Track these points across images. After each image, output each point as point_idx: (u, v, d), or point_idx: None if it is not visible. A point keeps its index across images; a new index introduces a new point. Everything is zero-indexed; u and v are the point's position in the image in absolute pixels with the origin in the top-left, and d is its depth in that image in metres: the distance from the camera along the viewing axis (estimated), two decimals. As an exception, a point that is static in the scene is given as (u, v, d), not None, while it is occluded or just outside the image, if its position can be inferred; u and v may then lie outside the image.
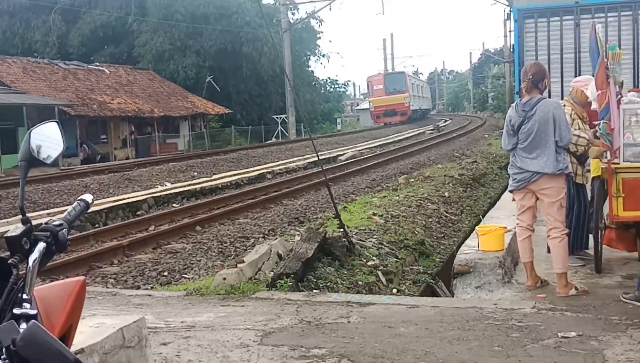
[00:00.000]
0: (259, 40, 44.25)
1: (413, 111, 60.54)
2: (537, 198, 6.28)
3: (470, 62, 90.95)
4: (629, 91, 7.87)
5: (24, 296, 1.48)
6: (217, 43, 44.19)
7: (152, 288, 8.17)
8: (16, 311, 1.44)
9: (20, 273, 1.52)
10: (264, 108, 48.81)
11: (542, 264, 6.77)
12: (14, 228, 1.61)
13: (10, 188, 18.67)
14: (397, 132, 42.02)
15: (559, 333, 4.98)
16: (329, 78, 68.01)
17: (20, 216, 1.66)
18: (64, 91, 34.42)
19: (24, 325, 1.37)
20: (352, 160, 24.35)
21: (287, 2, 45.20)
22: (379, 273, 8.39)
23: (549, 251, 6.54)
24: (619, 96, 7.12)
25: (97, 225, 13.13)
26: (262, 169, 22.16)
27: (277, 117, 46.36)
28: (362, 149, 28.88)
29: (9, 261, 1.56)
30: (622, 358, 4.48)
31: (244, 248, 10.17)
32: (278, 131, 46.02)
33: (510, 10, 19.03)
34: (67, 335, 1.64)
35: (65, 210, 1.85)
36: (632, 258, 7.25)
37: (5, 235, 1.64)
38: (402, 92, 57.60)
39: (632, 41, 12.46)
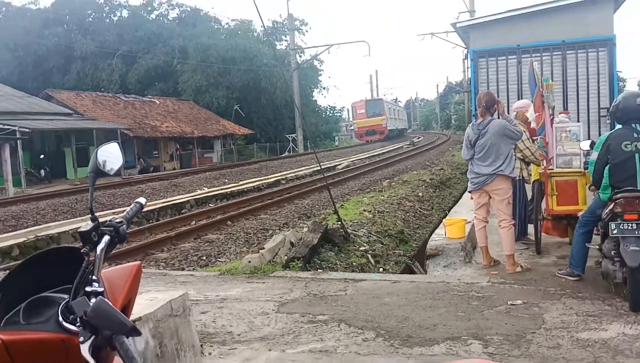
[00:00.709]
0: (274, 77, 44.34)
1: (390, 131, 59.48)
2: (490, 197, 6.29)
3: (437, 92, 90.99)
4: (560, 113, 7.92)
5: (93, 277, 1.47)
6: (242, 79, 44.30)
7: (193, 269, 8.19)
8: (87, 289, 1.44)
9: (90, 259, 1.51)
10: (279, 129, 48.89)
11: (495, 248, 6.77)
12: (85, 224, 1.61)
13: (84, 193, 18.75)
14: (382, 147, 42.02)
15: (508, 301, 4.98)
16: (329, 105, 68.22)
17: (90, 215, 1.66)
18: (125, 118, 34.51)
19: (93, 300, 1.37)
20: (347, 169, 24.37)
21: (295, 48, 45.34)
22: (369, 256, 8.39)
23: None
24: (552, 117, 7.14)
25: (150, 221, 13.16)
26: (278, 176, 22.18)
27: (289, 136, 46.46)
28: (355, 160, 28.90)
29: (82, 250, 1.55)
30: (557, 320, 4.48)
31: (264, 237, 10.16)
32: (289, 147, 46.08)
33: (467, 52, 19.03)
34: (127, 308, 1.63)
35: (125, 210, 1.85)
36: (564, 243, 7.26)
37: (78, 230, 1.64)
38: (380, 115, 56.40)
39: (561, 75, 12.51)
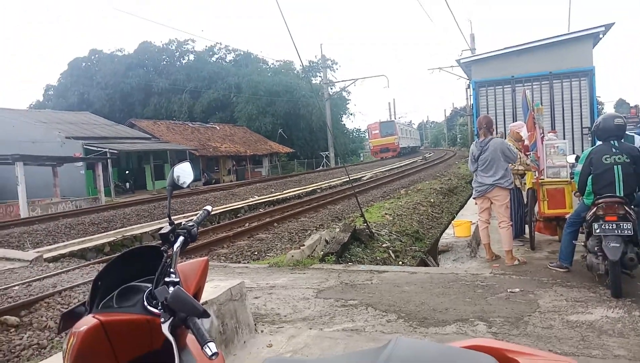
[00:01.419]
0: (310, 106, 44.56)
1: (402, 148, 57.03)
2: (491, 202, 6.19)
3: (445, 115, 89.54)
4: (549, 133, 7.77)
5: (171, 270, 1.49)
6: (284, 108, 44.62)
7: (247, 262, 8.23)
8: (166, 279, 1.46)
9: (168, 255, 1.54)
10: (314, 148, 48.94)
11: (496, 244, 6.64)
12: (165, 227, 1.63)
13: (161, 201, 19.08)
14: (399, 162, 41.71)
15: (508, 289, 4.88)
16: (355, 128, 67.52)
17: (168, 220, 1.68)
18: (192, 140, 35.03)
19: (171, 289, 1.38)
20: (371, 179, 24.23)
21: (328, 82, 45.45)
22: (390, 251, 8.31)
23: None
24: (542, 136, 7.03)
25: (213, 223, 13.29)
26: (314, 186, 22.21)
27: (322, 153, 46.47)
28: (377, 173, 28.71)
29: (162, 248, 1.58)
30: (550, 305, 4.37)
31: (304, 236, 10.18)
32: (323, 162, 46.07)
33: (470, 82, 18.81)
34: (197, 294, 1.65)
35: (193, 215, 1.87)
36: (554, 240, 7.09)
37: (159, 232, 1.67)
38: (393, 135, 53.92)
39: (549, 100, 12.30)
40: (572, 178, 6.34)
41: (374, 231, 8.81)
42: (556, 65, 12.39)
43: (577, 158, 6.02)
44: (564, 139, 10.31)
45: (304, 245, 7.47)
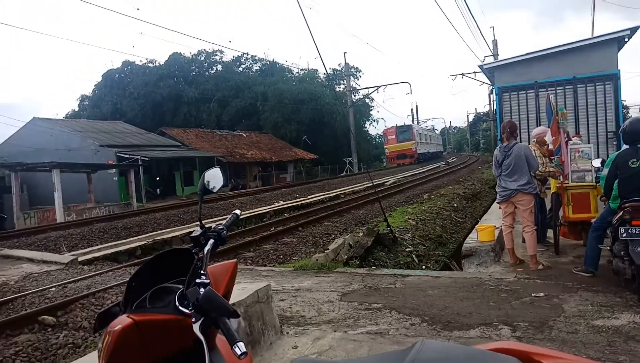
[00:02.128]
0: (334, 113, 44.64)
1: (421, 154, 53.06)
2: (515, 207, 6.10)
3: (468, 121, 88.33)
4: (574, 137, 7.63)
5: (202, 272, 1.51)
6: (309, 116, 44.74)
7: (273, 266, 8.25)
8: (197, 280, 1.47)
9: (199, 257, 1.55)
10: (338, 154, 48.81)
11: (520, 249, 6.53)
12: (196, 231, 1.65)
13: (189, 206, 19.32)
14: (421, 167, 41.37)
15: (532, 294, 4.78)
16: (378, 134, 67.17)
17: (199, 223, 1.70)
18: (220, 148, 35.43)
19: (202, 290, 1.40)
20: (394, 184, 24.05)
21: (351, 90, 45.50)
22: (413, 256, 8.25)
23: (524, 241, 6.34)
24: (567, 140, 6.89)
25: (240, 227, 13.33)
26: (338, 191, 22.17)
27: (346, 159, 46.36)
28: (400, 178, 28.50)
29: (193, 251, 1.60)
30: (574, 309, 4.27)
31: (328, 240, 10.15)
32: (347, 168, 45.98)
33: (493, 88, 18.57)
34: (226, 295, 1.66)
35: (222, 219, 1.89)
36: (579, 245, 6.93)
37: (190, 235, 1.69)
38: (410, 140, 50.63)
39: (573, 105, 12.06)
40: (597, 182, 6.20)
41: (397, 235, 8.75)
42: (580, 69, 12.15)
43: (602, 162, 5.89)
44: (589, 143, 10.10)
45: (328, 249, 7.46)
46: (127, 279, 1.54)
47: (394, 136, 51.55)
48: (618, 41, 12.46)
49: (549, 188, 7.43)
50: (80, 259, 9.24)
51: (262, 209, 16.59)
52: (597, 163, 6.40)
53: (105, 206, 22.65)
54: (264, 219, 15.07)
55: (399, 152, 50.84)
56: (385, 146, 53.73)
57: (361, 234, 8.15)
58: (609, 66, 12.07)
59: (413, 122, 69.75)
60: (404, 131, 51.14)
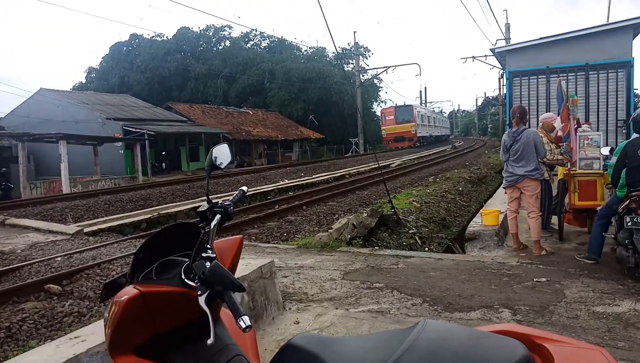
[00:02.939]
0: (342, 92, 44.29)
1: (422, 137, 49.79)
2: (521, 192, 6.08)
3: (476, 104, 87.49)
4: (583, 124, 7.57)
5: (208, 246, 1.51)
6: (316, 95, 44.41)
7: (277, 243, 8.30)
8: (203, 254, 1.48)
9: (205, 232, 1.56)
10: (344, 134, 48.57)
11: (524, 234, 6.54)
12: (203, 205, 1.65)
13: (195, 182, 19.39)
14: (428, 149, 41.20)
15: (534, 279, 4.80)
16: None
17: (206, 198, 1.71)
18: (226, 124, 35.34)
19: (208, 264, 1.41)
20: (399, 166, 24.01)
21: (360, 69, 45.08)
22: (416, 237, 8.28)
23: (529, 228, 6.34)
24: (576, 127, 6.84)
25: (244, 204, 13.38)
26: (343, 172, 22.16)
27: (352, 140, 46.18)
28: (406, 160, 28.43)
29: (199, 225, 1.60)
30: (576, 295, 4.28)
31: (332, 220, 10.19)
32: (352, 148, 45.85)
33: (504, 72, 18.38)
34: (232, 270, 1.67)
35: (228, 195, 1.89)
36: (583, 232, 6.94)
37: (197, 210, 1.69)
38: (410, 122, 46.46)
39: (584, 91, 11.93)
40: (605, 170, 6.17)
41: (401, 217, 8.76)
42: (593, 56, 11.99)
43: (611, 150, 5.84)
44: (598, 131, 10.03)
45: (332, 228, 7.50)
46: (132, 251, 1.56)
47: (392, 117, 47.70)
48: (634, 28, 12.26)
49: (556, 175, 7.40)
50: (85, 230, 9.32)
51: (267, 187, 16.62)
52: (605, 150, 6.36)
53: (111, 179, 22.76)
54: (269, 197, 15.11)
55: (397, 134, 47.06)
56: (382, 128, 49.36)
57: (365, 214, 8.17)
58: (622, 54, 11.91)
59: (421, 104, 67.97)
60: (404, 112, 47.09)
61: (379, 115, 51.49)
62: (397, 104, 49.06)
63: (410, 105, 50.25)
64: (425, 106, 67.39)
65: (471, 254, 6.79)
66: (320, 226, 9.80)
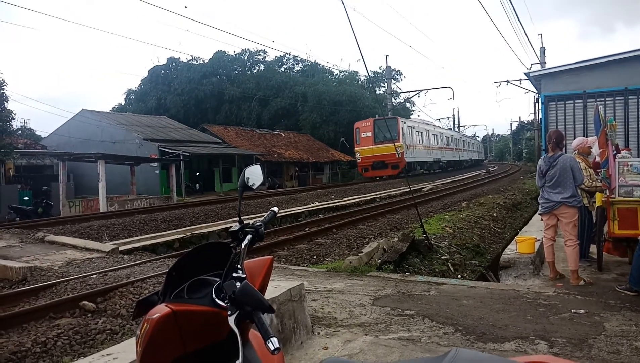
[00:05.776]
0: (373, 115, 44.36)
1: (415, 163, 37.25)
2: (558, 219, 5.91)
3: (511, 129, 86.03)
4: (623, 150, 7.34)
5: (239, 266, 1.53)
6: (347, 118, 44.53)
7: (306, 266, 8.26)
8: (234, 274, 1.49)
9: (236, 252, 1.57)
10: (376, 157, 48.40)
11: (561, 263, 6.32)
12: (234, 226, 1.67)
13: (228, 203, 19.61)
14: (460, 174, 40.62)
15: (572, 310, 4.62)
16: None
17: (238, 219, 1.73)
18: (258, 146, 35.84)
19: (238, 284, 1.41)
20: (431, 191, 23.70)
21: (392, 93, 45.16)
22: (449, 264, 8.11)
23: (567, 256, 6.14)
24: (615, 153, 6.64)
25: (275, 226, 13.40)
26: (374, 195, 22.04)
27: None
28: (438, 184, 28.07)
29: (231, 245, 1.62)
30: (617, 329, 4.10)
31: (362, 244, 10.10)
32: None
33: (539, 96, 18.10)
34: (261, 291, 1.67)
35: (258, 216, 1.91)
36: (623, 262, 6.65)
37: (229, 230, 1.71)
38: (392, 141, 30.93)
39: (623, 117, 11.60)
40: (646, 198, 5.95)
41: (433, 242, 8.62)
42: (631, 81, 11.68)
43: (653, 178, 5.64)
44: (638, 157, 9.71)
45: (362, 252, 7.43)
46: (165, 270, 1.58)
47: (369, 133, 34.00)
48: (675, 52, 11.93)
49: (595, 202, 7.17)
50: (120, 248, 9.52)
51: (298, 209, 16.66)
52: (647, 177, 6.14)
53: (146, 198, 23.28)
54: (299, 219, 15.14)
55: (376, 158, 33.35)
56: (355, 149, 35.63)
57: (396, 239, 8.08)
58: (664, 77, 11.57)
59: (453, 129, 61.52)
60: (384, 127, 31.66)
61: (355, 129, 36.06)
62: (377, 116, 35.22)
63: (395, 117, 35.41)
64: (458, 130, 64.70)
65: (506, 282, 6.60)
66: (350, 249, 9.73)
